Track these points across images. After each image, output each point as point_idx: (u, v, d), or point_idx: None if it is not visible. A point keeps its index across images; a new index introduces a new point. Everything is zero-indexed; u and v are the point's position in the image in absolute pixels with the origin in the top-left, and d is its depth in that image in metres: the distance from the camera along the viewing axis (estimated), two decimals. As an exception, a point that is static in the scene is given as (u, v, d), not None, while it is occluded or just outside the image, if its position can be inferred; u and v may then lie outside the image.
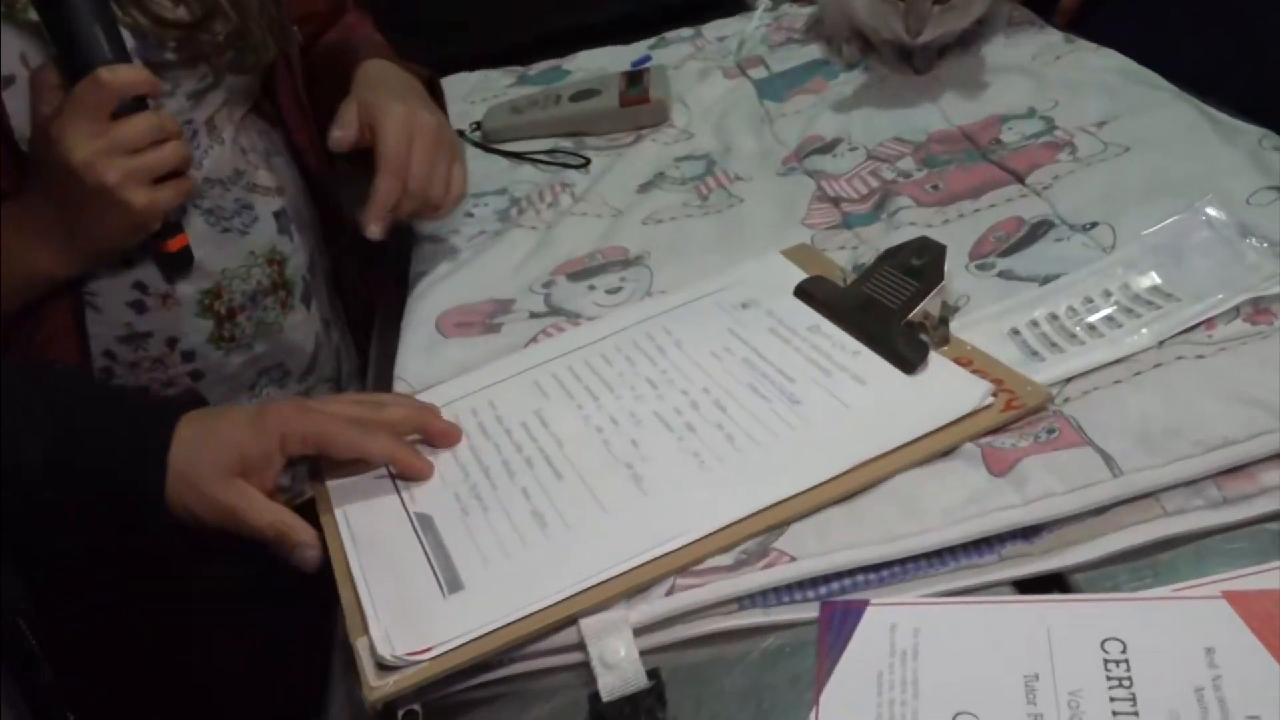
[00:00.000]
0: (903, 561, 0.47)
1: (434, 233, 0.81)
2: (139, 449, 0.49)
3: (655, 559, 0.48)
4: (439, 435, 0.57)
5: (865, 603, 0.46)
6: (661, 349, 0.62)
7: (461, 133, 0.96)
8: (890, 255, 0.62)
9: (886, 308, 0.59)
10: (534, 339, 0.66)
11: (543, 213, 0.81)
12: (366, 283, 0.85)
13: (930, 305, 0.58)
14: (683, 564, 0.48)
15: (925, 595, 0.46)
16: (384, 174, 0.68)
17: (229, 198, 0.69)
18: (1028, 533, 0.46)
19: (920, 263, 0.60)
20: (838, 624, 0.45)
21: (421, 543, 0.51)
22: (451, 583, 0.49)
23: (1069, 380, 0.53)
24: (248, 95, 0.71)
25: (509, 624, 0.46)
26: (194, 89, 0.66)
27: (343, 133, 0.68)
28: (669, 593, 0.47)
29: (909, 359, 0.55)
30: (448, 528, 0.52)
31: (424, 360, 0.66)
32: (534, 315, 0.69)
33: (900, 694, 0.42)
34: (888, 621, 0.45)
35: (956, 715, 0.40)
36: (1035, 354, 0.55)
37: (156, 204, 0.61)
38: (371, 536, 0.53)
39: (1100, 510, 0.46)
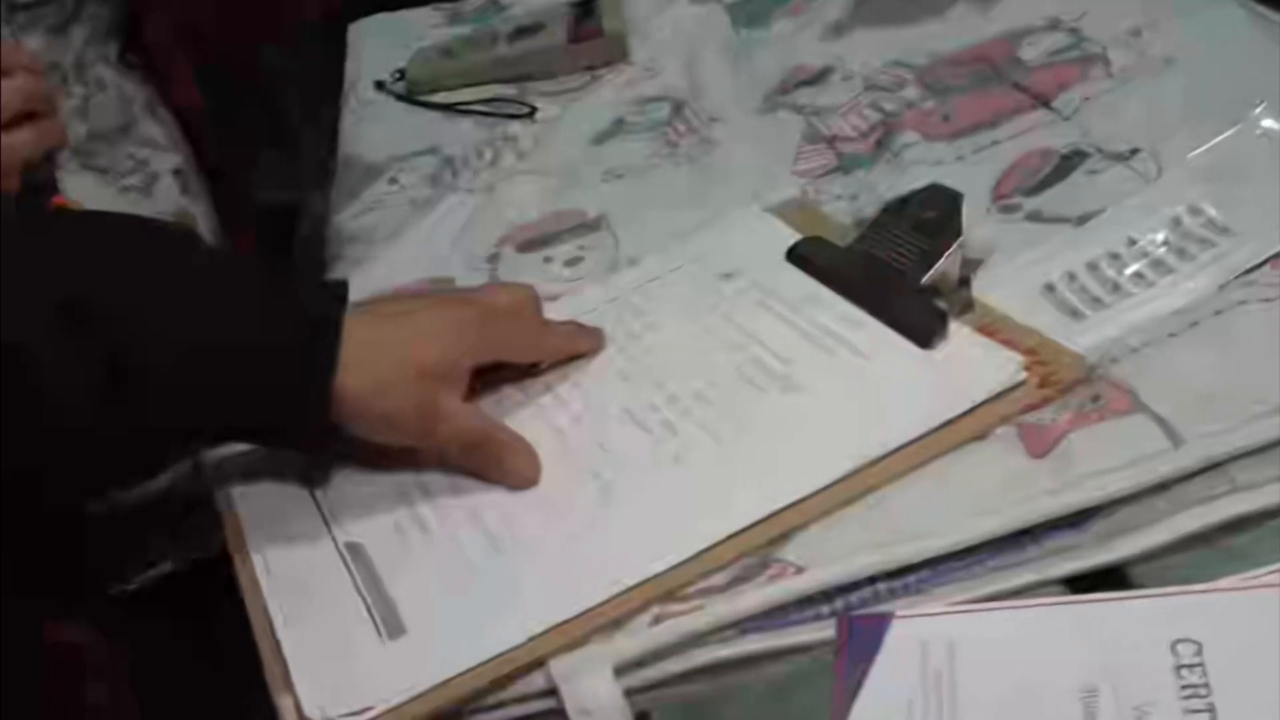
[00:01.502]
0: (931, 563, 0.47)
1: (354, 206, 0.80)
2: (307, 335, 0.49)
3: (634, 586, 0.47)
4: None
5: (889, 615, 0.46)
6: (632, 333, 0.62)
7: (381, 84, 0.95)
8: (896, 208, 0.62)
9: (896, 271, 0.58)
10: None
11: (482, 173, 0.80)
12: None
13: (947, 265, 0.58)
14: (668, 589, 0.47)
15: (959, 602, 0.46)
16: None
17: (120, 153, 0.68)
18: (1076, 520, 0.46)
19: (932, 215, 0.59)
20: (858, 643, 0.45)
21: (353, 578, 0.51)
22: (391, 626, 0.49)
23: (1114, 339, 0.53)
24: (116, 29, 0.70)
25: (464, 673, 0.46)
26: (53, 22, 0.65)
27: None
28: (654, 622, 0.47)
29: (924, 332, 0.55)
30: (384, 558, 0.52)
31: None
32: None
33: (936, 725, 0.42)
34: (917, 637, 0.45)
35: (1004, 745, 0.40)
36: (1075, 312, 0.55)
37: (13, 150, 0.60)
38: (292, 571, 0.52)
39: (1160, 488, 0.46)
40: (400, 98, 0.94)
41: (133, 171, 0.69)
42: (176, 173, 0.71)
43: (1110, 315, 0.54)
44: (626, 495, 0.52)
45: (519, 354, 0.57)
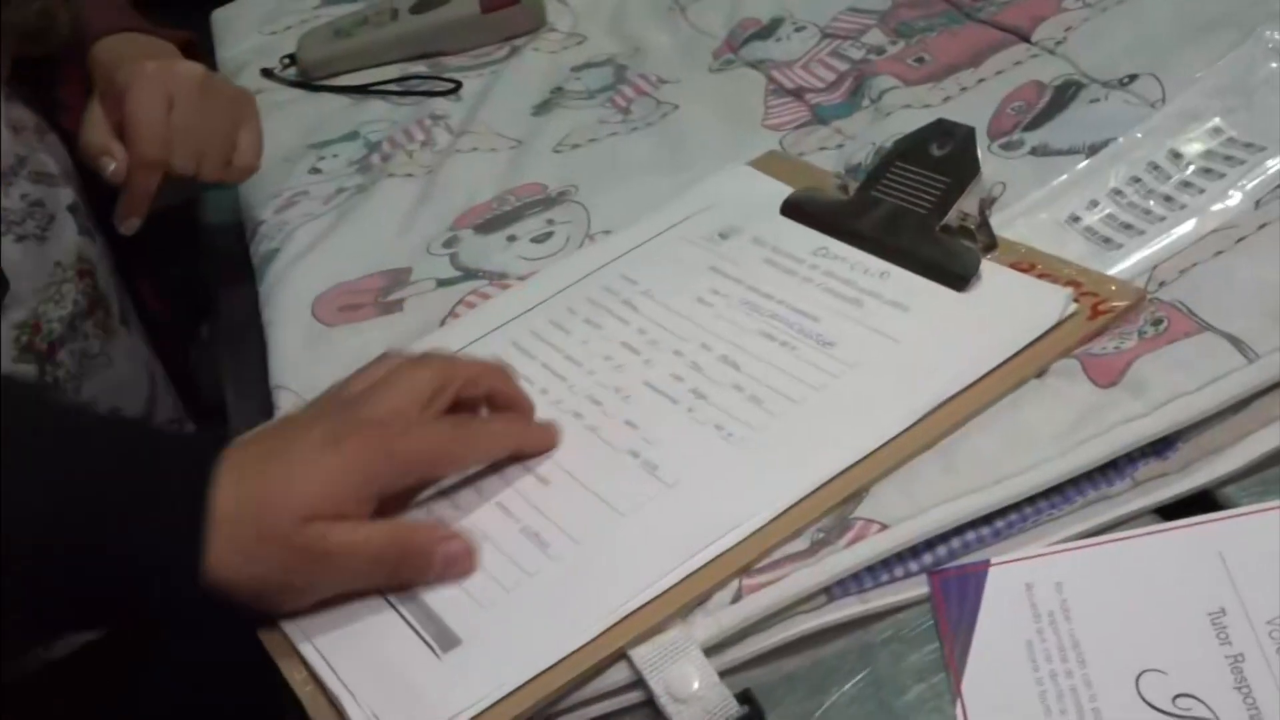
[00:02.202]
0: (1018, 507, 0.48)
1: (274, 201, 0.78)
2: (167, 499, 0.45)
3: (711, 561, 0.47)
4: (525, 403, 0.55)
5: (985, 564, 0.47)
6: (630, 303, 0.62)
7: (269, 72, 0.93)
8: (901, 148, 0.63)
9: (913, 213, 0.60)
10: (452, 313, 0.66)
11: (416, 155, 0.80)
12: (155, 291, 0.82)
13: (967, 203, 0.59)
14: (746, 560, 0.48)
15: (1056, 543, 0.47)
16: (137, 145, 0.65)
17: (14, 194, 0.65)
18: (1159, 447, 0.48)
19: (944, 151, 0.61)
20: (956, 596, 0.46)
21: (386, 595, 0.49)
22: (443, 639, 0.47)
23: (1156, 264, 0.55)
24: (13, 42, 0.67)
25: (536, 676, 0.45)
26: None
27: (108, 158, 0.65)
28: (736, 598, 0.47)
29: (959, 272, 0.56)
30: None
31: (308, 360, 0.65)
32: (443, 283, 0.68)
33: (1062, 663, 0.43)
34: (1020, 581, 0.46)
35: (1141, 675, 0.42)
36: (1108, 241, 0.57)
37: None
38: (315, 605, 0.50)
39: (1239, 406, 0.48)
40: (294, 84, 0.93)
41: (28, 217, 0.66)
42: (72, 209, 0.69)
43: (1146, 241, 0.56)
44: (675, 470, 0.52)
45: (438, 471, 0.52)
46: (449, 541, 0.49)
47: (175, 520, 0.46)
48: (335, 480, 0.47)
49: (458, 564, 0.49)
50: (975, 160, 0.60)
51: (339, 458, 0.48)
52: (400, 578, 0.49)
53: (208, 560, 0.45)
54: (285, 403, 0.63)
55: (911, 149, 0.62)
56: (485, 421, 0.53)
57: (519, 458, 0.53)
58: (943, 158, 0.61)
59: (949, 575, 0.47)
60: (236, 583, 0.46)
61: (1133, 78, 0.65)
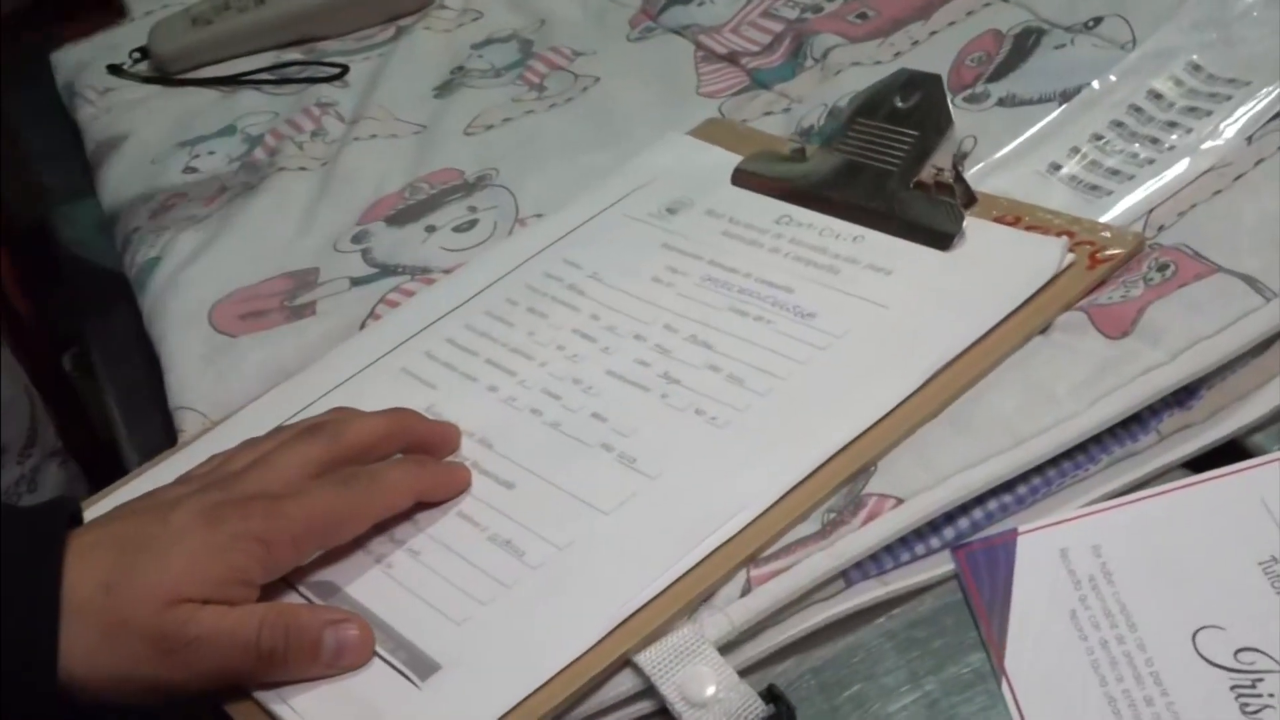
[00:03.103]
0: (1041, 471, 0.49)
1: (149, 205, 0.76)
2: (9, 591, 0.43)
3: (710, 554, 0.47)
4: (439, 440, 0.54)
5: (1013, 533, 0.48)
6: (576, 288, 0.62)
7: (117, 69, 0.91)
8: (861, 103, 0.64)
9: (883, 171, 0.61)
10: (373, 313, 0.65)
11: (307, 146, 0.79)
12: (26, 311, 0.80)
13: (939, 157, 0.61)
14: (752, 549, 0.48)
15: (1084, 506, 0.48)
16: None
17: None
18: (1182, 397, 0.50)
19: (910, 103, 0.62)
20: (986, 570, 0.47)
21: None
22: (419, 666, 0.47)
23: (1151, 209, 0.57)
24: None
25: (533, 693, 0.45)
26: None
27: None
28: (745, 591, 0.47)
29: (942, 229, 0.58)
30: (374, 595, 0.50)
31: (212, 375, 0.64)
32: (358, 282, 0.68)
33: (1111, 629, 0.44)
34: (1053, 548, 0.47)
35: (1197, 633, 0.43)
36: (1095, 189, 0.59)
37: None
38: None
39: (1259, 349, 0.50)
40: (153, 79, 0.91)
41: None
42: None
43: (1136, 184, 0.58)
44: (657, 461, 0.52)
45: (332, 539, 0.50)
46: (341, 626, 0.47)
47: (21, 616, 0.43)
48: (206, 559, 0.45)
49: (351, 652, 0.47)
50: (947, 110, 0.61)
51: (213, 534, 0.46)
52: (284, 669, 0.46)
53: (62, 659, 0.43)
54: (190, 425, 0.61)
55: (873, 103, 0.64)
56: (379, 471, 0.51)
57: (427, 504, 0.52)
58: (909, 110, 0.62)
59: (975, 548, 0.48)
60: (96, 680, 0.44)
61: (1098, 20, 0.68)
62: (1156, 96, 0.62)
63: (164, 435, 0.62)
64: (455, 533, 0.51)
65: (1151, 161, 0.59)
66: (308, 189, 0.75)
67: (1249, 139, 0.58)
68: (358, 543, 0.51)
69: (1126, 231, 0.56)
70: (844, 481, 0.49)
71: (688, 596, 0.47)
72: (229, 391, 0.62)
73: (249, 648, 0.45)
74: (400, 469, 0.52)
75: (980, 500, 0.49)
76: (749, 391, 0.54)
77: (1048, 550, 0.47)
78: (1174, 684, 0.42)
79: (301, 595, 0.50)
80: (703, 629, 0.46)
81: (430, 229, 0.70)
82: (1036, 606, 0.46)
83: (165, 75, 0.91)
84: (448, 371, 0.60)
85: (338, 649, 0.47)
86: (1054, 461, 0.49)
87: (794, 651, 0.47)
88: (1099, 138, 0.61)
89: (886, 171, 0.61)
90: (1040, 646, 0.44)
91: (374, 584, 0.50)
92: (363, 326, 0.65)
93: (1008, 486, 0.49)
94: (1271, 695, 0.41)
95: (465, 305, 0.63)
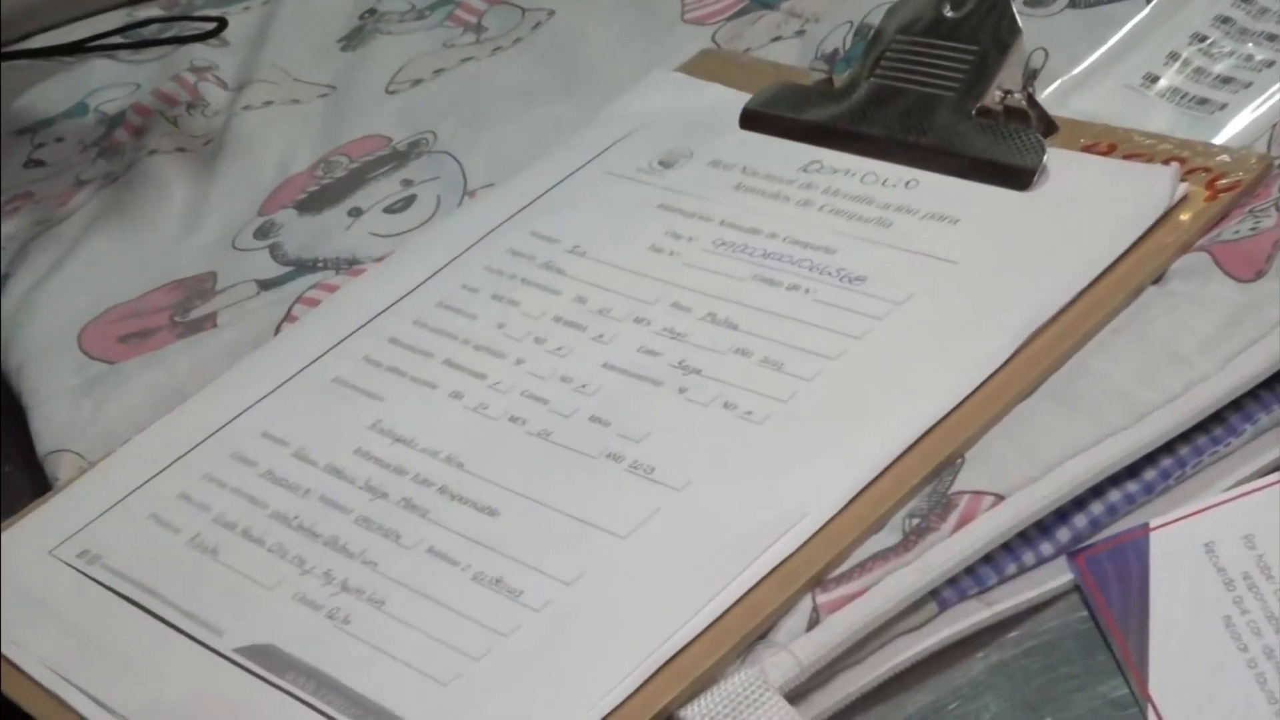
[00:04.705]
0: (1170, 449, 0.50)
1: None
2: None
3: (763, 578, 0.48)
4: None
5: (1144, 529, 0.48)
6: (553, 266, 0.63)
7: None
8: (900, 17, 0.65)
9: (934, 97, 0.62)
10: (288, 317, 0.66)
11: (184, 122, 0.80)
12: None
13: (1006, 76, 0.62)
14: (816, 569, 0.48)
15: (1228, 489, 0.49)
16: None
17: None
18: (1336, 348, 0.51)
19: (962, 11, 0.63)
20: (1115, 577, 0.47)
21: (295, 695, 0.48)
22: (389, 731, 0.47)
23: (1276, 123, 0.59)
24: None
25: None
26: None
27: None
28: (813, 623, 0.47)
29: (1019, 165, 0.58)
30: (326, 654, 0.50)
31: (90, 409, 0.64)
32: (268, 284, 0.69)
33: (1277, 635, 0.44)
34: (1195, 543, 0.47)
35: (1392, 634, 0.44)
36: (1204, 102, 0.61)
37: None
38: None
39: None
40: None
41: None
42: None
43: (1255, 93, 0.60)
44: (682, 469, 0.52)
45: None
46: None
47: None
48: None
49: None
50: (1011, 16, 0.62)
51: None
52: None
53: None
54: (67, 470, 0.61)
55: (915, 16, 0.65)
56: None
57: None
58: (962, 20, 0.63)
59: (1098, 551, 0.48)
60: None
61: (1186, -103, 0.69)
62: (1272, -15, 0.63)
63: (33, 489, 0.62)
64: (427, 574, 0.51)
65: (1271, 64, 0.61)
66: (190, 175, 0.76)
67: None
68: (296, 596, 0.52)
69: (1249, 152, 0.57)
70: (926, 478, 0.50)
71: (740, 632, 0.47)
72: (114, 426, 0.63)
73: None
74: None
75: (1099, 491, 0.49)
76: (791, 377, 0.54)
77: (1189, 546, 0.47)
78: (1367, 697, 0.43)
79: (235, 664, 0.50)
80: (764, 672, 0.46)
81: (355, 212, 0.70)
82: (1182, 616, 0.46)
83: (-11, 46, 0.91)
84: (395, 378, 0.60)
85: None
86: (1186, 437, 0.50)
87: (880, 698, 0.47)
88: (1202, 38, 0.62)
89: (939, 98, 0.62)
90: (1191, 664, 0.45)
91: (327, 643, 0.50)
92: (278, 332, 0.65)
93: (1132, 472, 0.49)
94: None
95: (410, 297, 0.63)
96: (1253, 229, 0.54)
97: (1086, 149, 0.60)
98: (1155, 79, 0.62)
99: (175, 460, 0.59)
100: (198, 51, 0.85)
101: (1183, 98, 0.61)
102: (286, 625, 0.51)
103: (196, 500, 0.57)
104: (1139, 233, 0.55)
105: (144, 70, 0.85)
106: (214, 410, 0.61)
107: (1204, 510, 0.48)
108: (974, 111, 0.61)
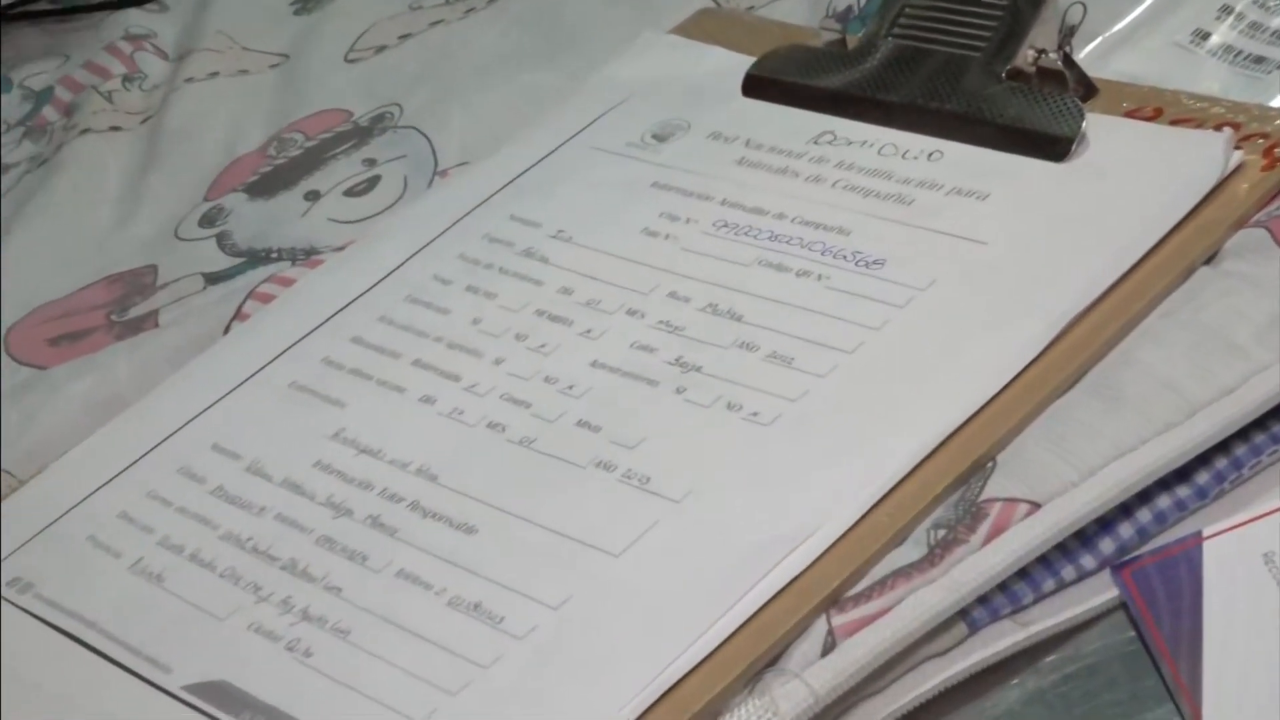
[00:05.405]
0: (1225, 449, 0.50)
1: None
2: None
3: (772, 598, 0.48)
4: None
5: (1197, 538, 0.48)
6: (535, 254, 0.63)
7: None
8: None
9: (960, 59, 0.62)
10: (238, 314, 0.67)
11: (119, 97, 0.80)
12: None
13: (1039, 35, 0.62)
14: (831, 588, 0.48)
15: (1290, 494, 0.49)
16: None
17: None
18: None
19: (991, -37, 0.64)
20: (1164, 592, 0.48)
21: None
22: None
23: (1339, 81, 0.59)
24: None
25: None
26: None
27: None
28: (828, 647, 0.47)
29: (1055, 133, 0.59)
30: (285, 691, 0.50)
31: (19, 419, 0.65)
32: (215, 278, 0.69)
33: (1355, 659, 0.45)
34: (1253, 552, 0.48)
35: None
36: (1260, 61, 0.61)
37: None
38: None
39: None
40: None
41: None
42: None
43: (1318, 51, 0.60)
44: (681, 478, 0.52)
45: None
46: None
47: None
48: None
49: None
50: (1045, -33, 0.63)
51: None
52: None
53: None
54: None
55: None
56: None
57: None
58: (989, -29, 0.64)
59: (1145, 564, 0.48)
60: None
61: None
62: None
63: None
64: (398, 600, 0.52)
65: (1337, 17, 0.61)
66: (127, 157, 0.76)
67: None
68: (252, 627, 0.52)
69: (1312, 115, 0.58)
70: (952, 484, 0.50)
71: (747, 659, 0.47)
72: (48, 437, 0.63)
73: None
74: None
75: (1146, 497, 0.49)
76: (802, 373, 0.54)
77: (1246, 557, 0.47)
78: None
79: (185, 703, 0.50)
80: (774, 703, 0.46)
81: (312, 196, 0.71)
82: (1239, 634, 0.46)
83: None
84: (359, 382, 0.60)
85: None
86: (1243, 435, 0.50)
87: (908, 725, 0.47)
88: (1257, -11, 0.63)
89: (966, 59, 0.62)
90: (1250, 688, 0.45)
91: (287, 679, 0.50)
92: (227, 331, 0.65)
93: (1183, 475, 0.50)
94: None
95: (374, 290, 0.64)
96: (1315, 199, 0.55)
97: (1130, 114, 0.60)
98: (1206, 35, 0.62)
99: (114, 476, 0.60)
100: (133, 18, 0.85)
101: (1236, 55, 0.61)
102: (241, 659, 0.52)
103: (139, 521, 0.58)
104: (1189, 207, 0.56)
105: (73, 39, 0.85)
106: (157, 419, 0.62)
107: (1263, 516, 0.49)
108: (1004, 74, 0.62)
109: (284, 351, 0.63)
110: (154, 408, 0.62)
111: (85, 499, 0.59)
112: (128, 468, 0.60)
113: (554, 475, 0.54)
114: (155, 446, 0.60)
